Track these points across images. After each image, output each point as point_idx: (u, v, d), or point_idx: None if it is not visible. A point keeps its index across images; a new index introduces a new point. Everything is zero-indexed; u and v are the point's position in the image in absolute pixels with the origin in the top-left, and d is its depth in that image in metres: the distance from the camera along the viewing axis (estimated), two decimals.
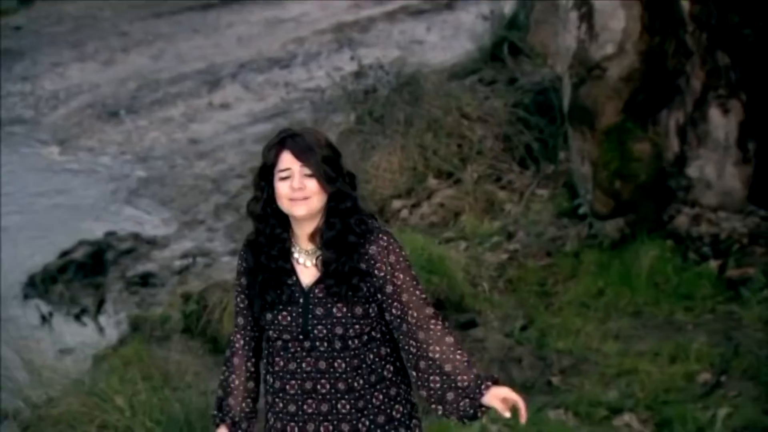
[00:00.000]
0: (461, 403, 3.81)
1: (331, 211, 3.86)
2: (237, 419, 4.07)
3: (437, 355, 3.81)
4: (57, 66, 17.24)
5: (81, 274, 10.55)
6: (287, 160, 3.83)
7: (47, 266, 10.63)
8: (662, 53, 8.33)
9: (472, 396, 3.79)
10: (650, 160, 8.42)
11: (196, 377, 6.95)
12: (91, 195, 12.71)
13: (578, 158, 8.70)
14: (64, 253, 10.82)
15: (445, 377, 3.81)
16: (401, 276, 3.85)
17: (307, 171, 3.82)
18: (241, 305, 4.05)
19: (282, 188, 3.84)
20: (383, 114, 10.17)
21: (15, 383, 6.66)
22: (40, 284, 10.47)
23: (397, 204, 9.63)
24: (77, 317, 10.03)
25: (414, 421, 4.00)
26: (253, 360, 4.08)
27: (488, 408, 3.82)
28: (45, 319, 10.00)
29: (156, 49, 17.28)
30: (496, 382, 3.81)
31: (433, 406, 3.87)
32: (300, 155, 3.82)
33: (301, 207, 3.84)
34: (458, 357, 3.81)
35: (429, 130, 9.81)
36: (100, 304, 10.16)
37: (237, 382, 4.07)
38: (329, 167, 3.83)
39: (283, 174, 3.84)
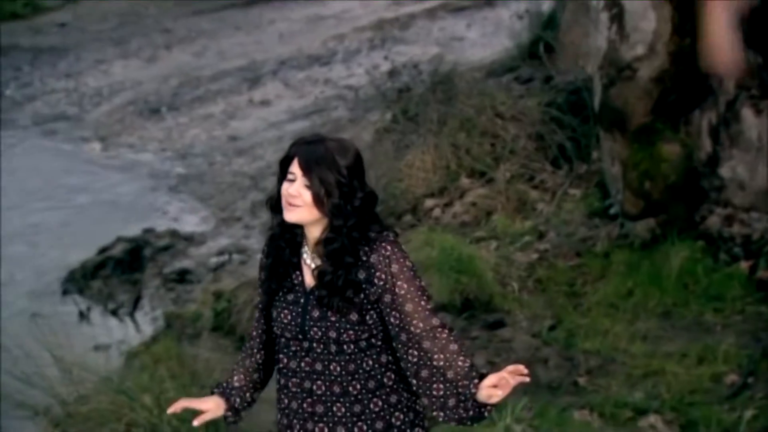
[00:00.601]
0: (461, 407, 3.82)
1: (332, 226, 3.88)
2: (238, 407, 4.15)
3: (441, 363, 3.82)
4: (101, 63, 17.41)
5: (119, 271, 10.67)
6: (294, 165, 3.88)
7: (86, 262, 10.75)
8: (693, 54, 8.32)
9: (464, 398, 3.80)
10: (680, 161, 8.41)
11: (224, 375, 7.01)
12: (131, 191, 12.85)
13: (608, 158, 8.71)
14: (103, 250, 10.93)
15: (448, 384, 3.82)
16: (405, 286, 3.85)
17: (307, 182, 3.85)
18: (258, 298, 4.13)
19: (283, 188, 3.89)
20: (417, 113, 10.21)
21: (46, 380, 6.75)
22: (78, 280, 10.60)
23: (429, 203, 9.67)
24: (114, 313, 10.15)
25: (417, 429, 4.01)
26: (262, 353, 4.13)
27: (492, 406, 3.81)
28: (83, 315, 10.12)
29: (198, 46, 17.41)
30: (483, 377, 3.79)
31: (435, 413, 3.88)
32: (303, 166, 3.85)
33: (291, 213, 3.87)
34: (460, 363, 3.82)
35: (462, 129, 9.84)
36: (136, 301, 10.27)
37: (243, 373, 4.15)
38: (335, 187, 3.82)
39: (290, 176, 3.88)
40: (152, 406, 6.33)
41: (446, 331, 3.87)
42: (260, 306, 4.11)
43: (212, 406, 4.13)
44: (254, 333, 4.16)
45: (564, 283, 8.36)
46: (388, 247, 3.87)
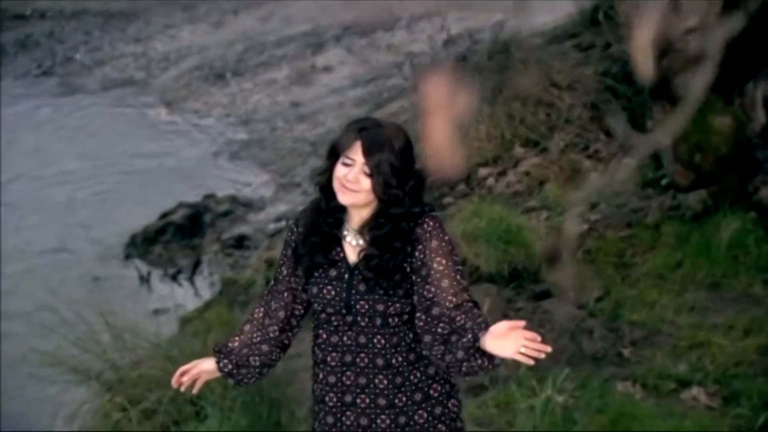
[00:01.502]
0: (471, 359, 3.80)
1: (383, 211, 3.96)
2: (231, 370, 4.19)
3: (462, 322, 3.83)
4: (169, 28, 17.57)
5: (179, 236, 10.85)
6: (355, 150, 3.93)
7: (147, 227, 10.94)
8: (746, 27, 8.25)
9: (473, 350, 3.78)
10: (731, 133, 8.39)
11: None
12: (193, 157, 13.02)
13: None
14: (164, 215, 11.12)
15: (465, 335, 3.82)
16: (444, 262, 3.93)
17: (368, 170, 3.92)
18: (283, 273, 4.18)
19: (339, 171, 3.95)
20: (474, 82, 10.24)
21: (100, 345, 6.90)
22: (139, 245, 10.79)
23: (483, 172, 9.72)
24: (173, 278, 10.33)
25: (452, 401, 4.12)
26: (288, 333, 4.19)
27: (500, 361, 3.78)
28: (143, 280, 10.31)
29: (264, 11, 17.49)
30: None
31: (448, 365, 3.89)
32: (367, 153, 3.91)
33: (347, 196, 3.95)
34: (479, 320, 3.83)
35: (517, 99, 9.87)
36: (195, 266, 10.44)
37: (246, 340, 4.19)
38: (392, 175, 3.90)
39: (347, 161, 3.94)
40: None
41: (475, 304, 3.94)
42: (290, 282, 4.16)
43: (210, 368, 4.20)
44: (264, 308, 4.20)
45: (613, 254, 8.36)
46: (431, 223, 3.98)
